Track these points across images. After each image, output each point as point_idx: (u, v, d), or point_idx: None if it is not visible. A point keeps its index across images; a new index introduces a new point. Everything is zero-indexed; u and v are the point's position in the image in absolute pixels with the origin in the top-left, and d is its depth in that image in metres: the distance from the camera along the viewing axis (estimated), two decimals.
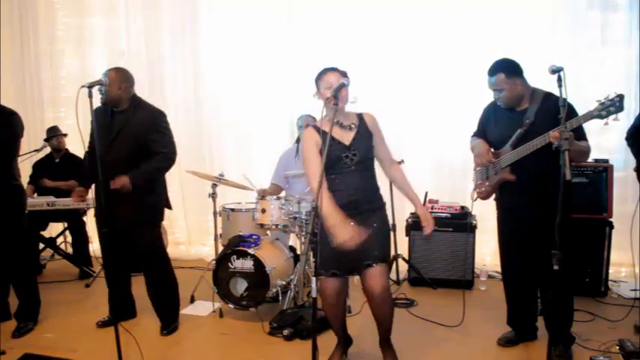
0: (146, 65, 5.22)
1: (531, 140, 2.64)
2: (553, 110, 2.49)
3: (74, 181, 4.37)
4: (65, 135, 4.83)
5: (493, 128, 2.96)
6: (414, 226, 4.21)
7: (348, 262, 2.51)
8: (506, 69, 2.75)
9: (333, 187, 2.56)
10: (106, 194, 2.57)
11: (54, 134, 4.79)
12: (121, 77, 3.16)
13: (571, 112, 2.59)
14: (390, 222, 3.92)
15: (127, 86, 3.18)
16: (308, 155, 2.56)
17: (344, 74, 2.54)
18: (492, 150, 2.91)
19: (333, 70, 2.56)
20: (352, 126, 2.62)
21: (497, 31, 4.53)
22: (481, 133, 3.07)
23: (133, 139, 3.14)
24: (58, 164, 4.83)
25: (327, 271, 2.52)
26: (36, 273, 4.10)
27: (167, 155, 3.23)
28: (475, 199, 3.14)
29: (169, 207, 3.50)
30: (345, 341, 2.84)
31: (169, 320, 3.37)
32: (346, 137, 2.60)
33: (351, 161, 2.56)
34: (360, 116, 2.67)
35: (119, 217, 3.06)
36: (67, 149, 4.87)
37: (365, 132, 2.63)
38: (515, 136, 2.76)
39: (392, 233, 4.07)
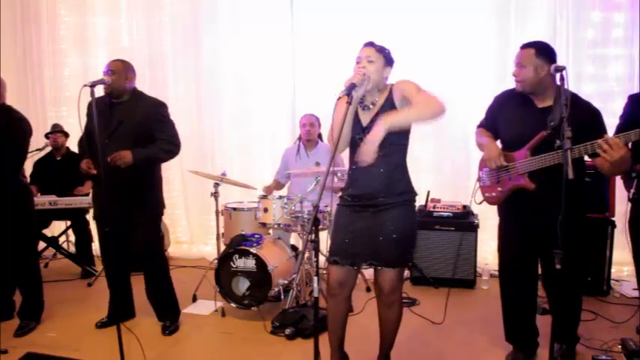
0: (147, 64, 5.22)
1: (555, 150, 2.40)
2: (580, 116, 2.34)
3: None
4: (65, 134, 4.84)
5: (507, 125, 2.66)
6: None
7: (351, 253, 2.35)
8: (540, 47, 2.47)
9: (351, 176, 2.39)
10: (107, 193, 2.57)
11: (51, 131, 4.80)
12: (126, 68, 3.18)
13: (597, 119, 2.47)
14: None
15: (131, 77, 3.21)
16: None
17: (381, 50, 2.27)
18: (504, 151, 2.63)
19: (367, 45, 2.29)
20: (371, 105, 2.32)
21: (498, 30, 4.53)
22: (490, 124, 2.78)
23: (134, 130, 3.11)
24: (59, 162, 4.83)
25: (330, 258, 2.42)
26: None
27: (172, 140, 3.22)
28: (480, 202, 2.85)
29: (163, 205, 3.49)
30: (340, 355, 2.54)
31: (171, 320, 3.37)
32: (366, 116, 2.33)
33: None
34: (390, 89, 2.30)
35: (120, 216, 3.05)
36: (67, 147, 4.87)
37: (389, 108, 2.25)
38: (536, 139, 2.49)
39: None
